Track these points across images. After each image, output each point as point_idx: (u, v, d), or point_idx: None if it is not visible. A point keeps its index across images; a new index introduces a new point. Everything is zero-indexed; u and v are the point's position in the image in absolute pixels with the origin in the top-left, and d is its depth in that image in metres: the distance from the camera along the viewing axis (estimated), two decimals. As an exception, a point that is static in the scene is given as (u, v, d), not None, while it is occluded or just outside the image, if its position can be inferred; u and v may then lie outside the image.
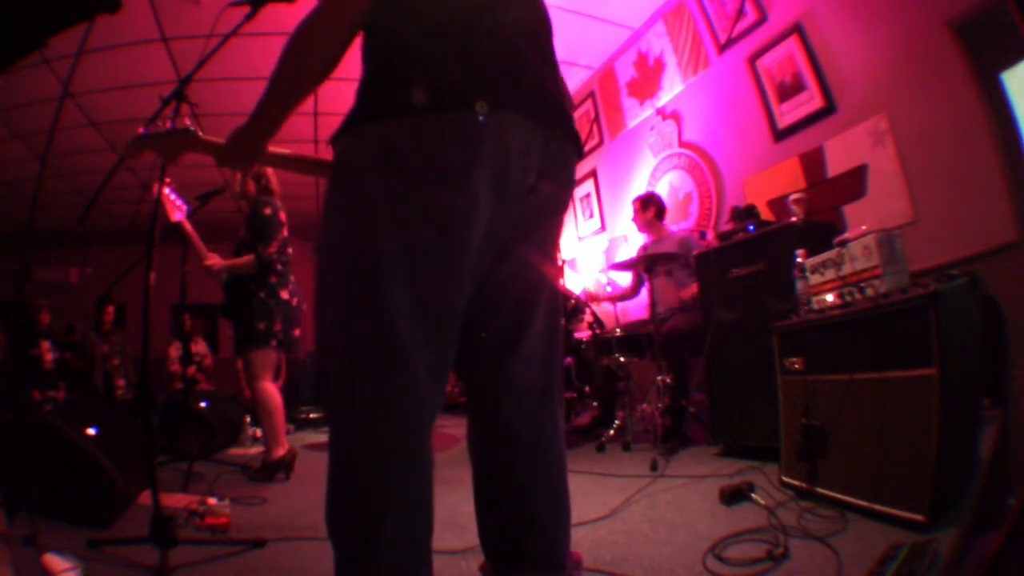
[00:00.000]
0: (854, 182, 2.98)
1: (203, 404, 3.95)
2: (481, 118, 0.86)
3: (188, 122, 1.20)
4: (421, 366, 0.87)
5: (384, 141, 0.87)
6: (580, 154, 1.07)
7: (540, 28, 1.07)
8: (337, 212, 0.92)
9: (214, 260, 2.81)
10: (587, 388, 3.63)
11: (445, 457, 3.28)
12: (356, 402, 0.86)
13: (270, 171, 2.95)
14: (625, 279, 4.35)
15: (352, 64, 0.98)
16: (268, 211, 2.82)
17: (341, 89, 3.20)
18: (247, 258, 2.79)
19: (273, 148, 1.16)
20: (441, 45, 0.89)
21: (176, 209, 2.44)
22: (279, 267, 2.85)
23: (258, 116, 1.03)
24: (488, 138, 0.87)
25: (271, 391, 2.78)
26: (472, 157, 0.86)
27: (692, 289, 3.19)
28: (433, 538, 0.92)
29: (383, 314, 0.85)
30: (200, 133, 1.18)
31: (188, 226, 2.65)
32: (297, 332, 2.93)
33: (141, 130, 1.21)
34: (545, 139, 0.96)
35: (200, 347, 6.30)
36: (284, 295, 2.86)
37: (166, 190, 1.99)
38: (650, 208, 3.64)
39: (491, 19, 0.94)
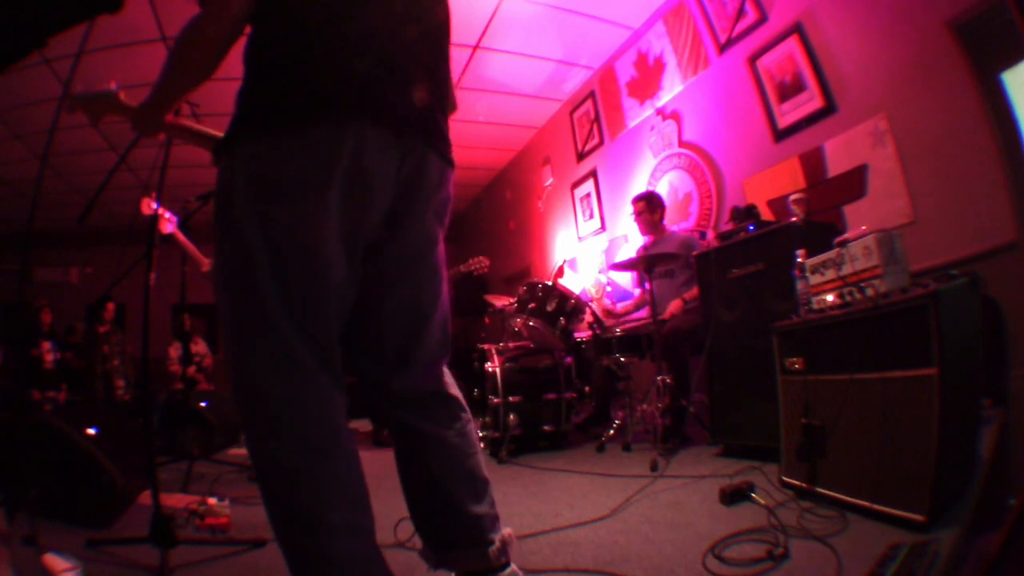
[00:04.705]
0: (854, 182, 2.98)
1: (203, 404, 3.95)
2: (335, 139, 0.92)
3: (113, 85, 1.29)
4: (306, 356, 0.94)
5: (248, 161, 0.94)
6: (449, 162, 1.12)
7: (425, 19, 1.10)
8: (217, 224, 0.98)
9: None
10: (587, 388, 3.63)
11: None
12: (267, 412, 0.93)
13: None
14: (625, 279, 4.35)
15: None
16: None
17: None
18: None
19: (178, 120, 1.30)
20: (307, 58, 0.95)
21: (166, 222, 2.47)
22: None
23: (154, 96, 1.10)
24: (341, 158, 0.93)
25: None
26: (323, 177, 0.93)
27: (691, 292, 3.18)
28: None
29: (264, 314, 0.93)
30: (121, 96, 1.28)
31: (181, 236, 2.67)
32: None
33: (79, 88, 1.31)
34: (406, 152, 1.01)
35: (200, 347, 6.30)
36: None
37: (153, 205, 2.03)
38: (658, 210, 3.63)
39: (365, 23, 0.99)
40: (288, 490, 0.91)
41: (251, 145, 0.95)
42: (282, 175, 0.93)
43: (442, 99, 1.12)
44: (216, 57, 1.00)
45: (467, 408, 1.20)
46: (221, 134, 1.29)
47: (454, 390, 1.19)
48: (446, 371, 1.19)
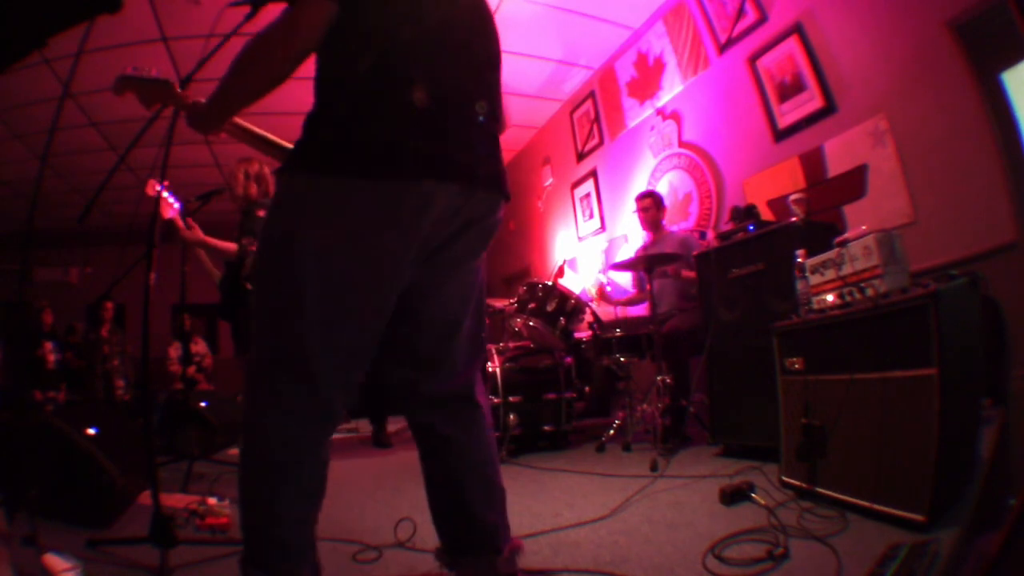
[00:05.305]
0: (854, 182, 2.98)
1: (203, 404, 3.95)
2: (401, 191, 0.96)
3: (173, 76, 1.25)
4: (330, 383, 1.00)
5: (307, 188, 0.97)
6: (505, 195, 1.14)
7: (484, 63, 1.13)
8: (271, 246, 1.01)
9: (194, 233, 2.75)
10: (587, 388, 3.63)
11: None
12: (273, 404, 0.99)
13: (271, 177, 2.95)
14: (625, 280, 4.34)
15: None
16: (262, 213, 2.82)
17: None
18: (231, 244, 2.79)
19: (241, 121, 1.25)
20: (375, 103, 0.96)
21: (168, 207, 2.47)
22: None
23: (223, 94, 1.08)
24: (405, 208, 0.97)
25: None
26: (382, 221, 0.96)
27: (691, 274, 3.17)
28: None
29: (299, 339, 0.97)
30: (177, 88, 1.24)
31: (180, 223, 2.66)
32: None
33: (129, 70, 1.26)
34: (465, 197, 1.04)
35: (200, 347, 6.31)
36: None
37: (158, 187, 2.02)
38: (662, 208, 3.64)
39: (438, 59, 1.01)
40: (264, 452, 0.98)
41: (313, 177, 0.96)
42: (339, 212, 0.95)
43: (499, 125, 1.15)
44: (302, 57, 0.98)
45: (490, 418, 1.22)
46: (279, 139, 1.32)
47: (482, 398, 1.21)
48: (479, 379, 1.22)
